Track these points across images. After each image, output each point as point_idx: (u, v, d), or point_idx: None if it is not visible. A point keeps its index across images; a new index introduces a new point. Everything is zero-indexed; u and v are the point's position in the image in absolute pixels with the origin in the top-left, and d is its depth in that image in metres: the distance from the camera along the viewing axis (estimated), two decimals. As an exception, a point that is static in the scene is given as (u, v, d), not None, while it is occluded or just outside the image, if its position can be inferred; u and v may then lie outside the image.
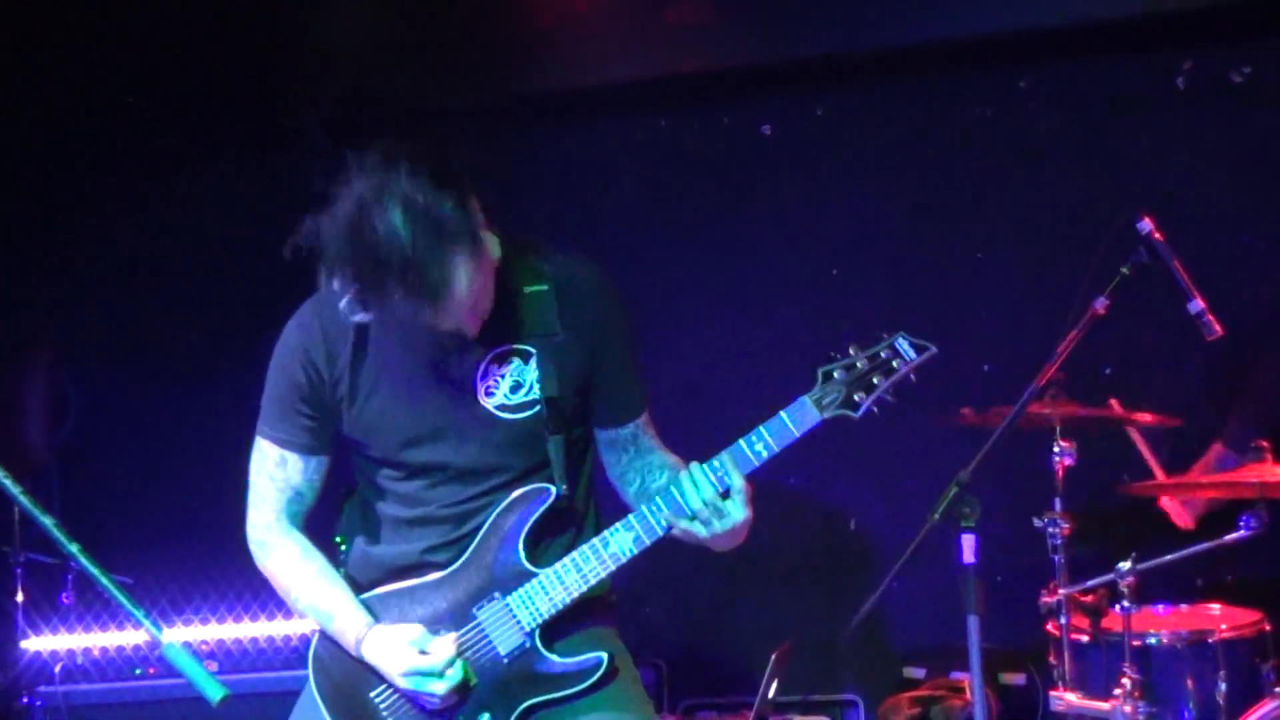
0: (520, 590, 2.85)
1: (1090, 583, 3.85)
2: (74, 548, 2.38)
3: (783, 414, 2.82)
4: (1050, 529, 3.80)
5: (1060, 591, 3.83)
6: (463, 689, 2.84)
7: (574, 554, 2.85)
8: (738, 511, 2.80)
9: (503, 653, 2.85)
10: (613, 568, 2.85)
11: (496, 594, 2.86)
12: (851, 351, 2.84)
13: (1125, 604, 3.78)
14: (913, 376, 2.85)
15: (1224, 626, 4.04)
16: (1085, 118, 5.36)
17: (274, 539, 2.97)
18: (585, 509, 2.97)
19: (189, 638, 4.43)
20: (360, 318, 2.78)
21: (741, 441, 2.82)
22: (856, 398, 2.82)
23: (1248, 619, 4.08)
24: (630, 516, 2.85)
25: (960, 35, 5.30)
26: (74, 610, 4.95)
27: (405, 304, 2.62)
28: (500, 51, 5.61)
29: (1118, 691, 3.77)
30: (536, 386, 2.86)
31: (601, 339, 2.92)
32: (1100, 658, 3.97)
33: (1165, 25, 5.15)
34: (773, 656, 4.75)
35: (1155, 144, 5.25)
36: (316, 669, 2.96)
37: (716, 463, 2.81)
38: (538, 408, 2.86)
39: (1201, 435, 4.61)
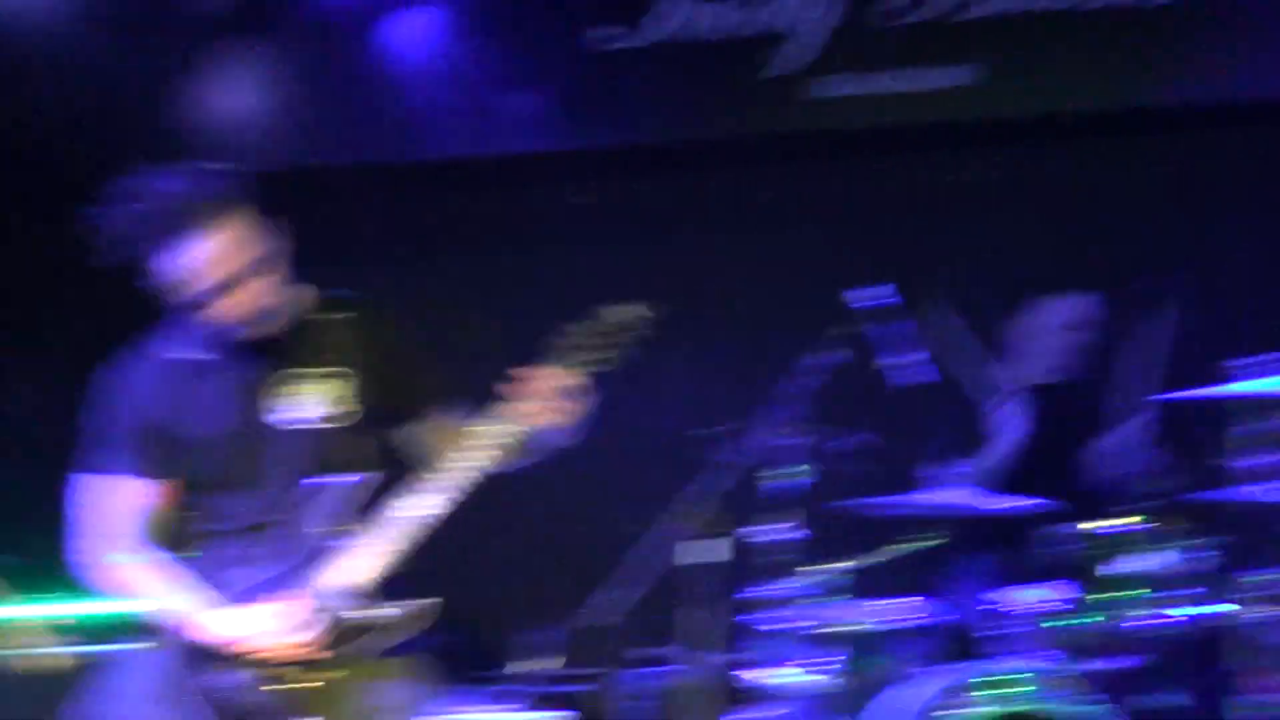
0: (319, 563, 2.78)
1: (780, 585, 3.98)
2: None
3: None
4: (753, 542, 3.90)
5: (757, 591, 3.94)
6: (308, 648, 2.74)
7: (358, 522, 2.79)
8: None
9: (321, 615, 2.75)
10: (393, 526, 2.75)
11: (302, 570, 2.78)
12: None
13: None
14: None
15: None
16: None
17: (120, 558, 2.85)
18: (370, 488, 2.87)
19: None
20: (176, 355, 2.80)
21: None
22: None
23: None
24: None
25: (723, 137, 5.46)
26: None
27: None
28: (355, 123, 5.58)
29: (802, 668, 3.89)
30: (319, 404, 2.81)
31: (389, 359, 2.88)
32: (788, 643, 4.04)
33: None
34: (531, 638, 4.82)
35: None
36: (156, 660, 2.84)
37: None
38: (317, 422, 2.81)
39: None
